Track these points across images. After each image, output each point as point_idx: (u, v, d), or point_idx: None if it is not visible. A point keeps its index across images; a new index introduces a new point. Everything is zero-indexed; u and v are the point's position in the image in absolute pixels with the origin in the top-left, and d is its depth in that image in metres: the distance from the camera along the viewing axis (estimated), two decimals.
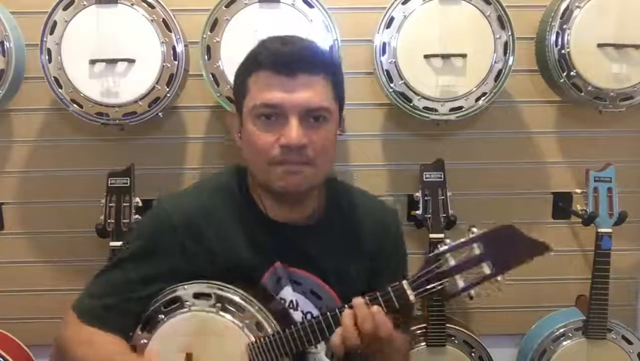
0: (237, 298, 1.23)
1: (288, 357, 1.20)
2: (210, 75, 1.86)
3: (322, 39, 1.85)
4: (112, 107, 1.85)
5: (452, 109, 1.91)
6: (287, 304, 1.28)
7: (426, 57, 1.87)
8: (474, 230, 1.14)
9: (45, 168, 2.14)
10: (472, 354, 2.05)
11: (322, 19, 1.86)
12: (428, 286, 1.13)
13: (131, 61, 1.83)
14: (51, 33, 1.82)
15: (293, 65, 1.16)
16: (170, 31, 1.84)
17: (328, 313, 1.17)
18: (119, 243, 1.86)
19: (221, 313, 1.23)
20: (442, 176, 1.98)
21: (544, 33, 1.93)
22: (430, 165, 1.99)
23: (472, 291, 1.13)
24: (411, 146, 2.18)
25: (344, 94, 1.27)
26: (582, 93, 1.92)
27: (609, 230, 1.95)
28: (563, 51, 1.89)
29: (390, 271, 1.34)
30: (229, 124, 1.32)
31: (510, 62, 1.89)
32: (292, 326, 1.19)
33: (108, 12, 1.83)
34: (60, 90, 1.84)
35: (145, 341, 1.25)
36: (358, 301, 1.15)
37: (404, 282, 1.15)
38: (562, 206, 2.20)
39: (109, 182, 1.92)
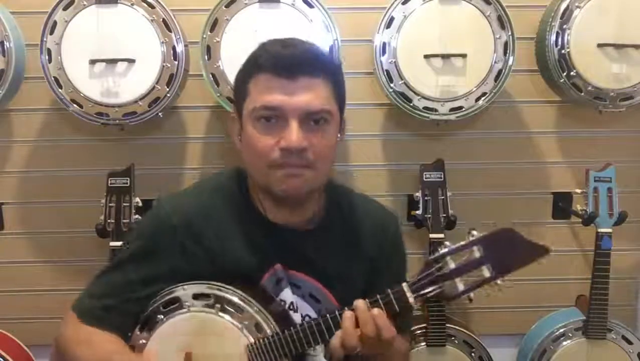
0: (236, 299, 1.23)
1: (287, 358, 1.19)
2: (210, 75, 1.86)
3: (322, 39, 1.85)
4: (112, 107, 1.85)
5: (452, 109, 1.91)
6: (287, 306, 1.28)
7: (426, 57, 1.87)
8: (474, 232, 1.14)
9: (45, 168, 2.15)
10: (472, 354, 2.05)
11: (322, 19, 1.86)
12: (428, 289, 1.14)
13: (131, 61, 1.83)
14: (51, 33, 1.82)
15: (294, 68, 1.16)
16: (170, 31, 1.84)
17: (328, 315, 1.17)
18: (119, 243, 1.86)
19: (220, 313, 1.23)
20: (442, 176, 1.98)
21: (544, 33, 1.93)
22: (430, 165, 1.99)
23: (472, 294, 1.13)
24: (411, 146, 2.18)
25: (344, 97, 1.27)
26: (582, 94, 1.92)
27: (609, 230, 1.95)
28: (563, 51, 1.89)
29: (391, 274, 1.34)
30: (229, 127, 1.31)
31: (510, 62, 1.89)
32: (292, 328, 1.19)
33: (108, 12, 1.83)
34: (60, 90, 1.84)
35: (144, 341, 1.25)
36: (359, 303, 1.14)
37: (404, 285, 1.15)
38: (562, 206, 2.20)
39: (109, 182, 1.92)
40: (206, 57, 1.86)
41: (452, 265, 1.13)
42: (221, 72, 1.85)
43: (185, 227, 1.26)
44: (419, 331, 2.02)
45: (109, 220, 1.91)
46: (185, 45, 1.88)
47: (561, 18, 1.88)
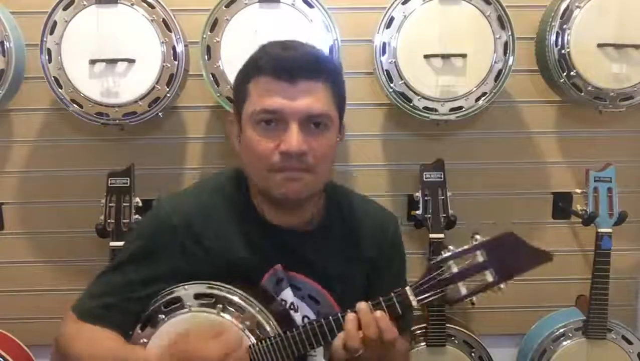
0: (237, 299, 1.23)
1: (289, 360, 1.19)
2: (210, 75, 1.86)
3: (322, 39, 1.85)
4: (112, 107, 1.85)
5: (452, 109, 1.92)
6: (287, 305, 1.28)
7: (426, 57, 1.88)
8: (477, 237, 1.14)
9: (45, 168, 2.15)
10: (472, 354, 2.06)
11: (322, 19, 1.86)
12: (431, 293, 1.14)
13: (131, 61, 1.83)
14: (51, 33, 1.82)
15: (294, 71, 1.15)
16: (170, 31, 1.84)
17: (331, 317, 1.17)
18: (119, 243, 1.86)
19: (222, 313, 1.23)
20: (442, 176, 1.98)
21: (544, 33, 1.93)
22: (430, 165, 1.99)
23: (474, 298, 1.14)
24: (411, 146, 2.18)
25: (344, 100, 1.26)
26: (582, 93, 1.92)
27: (609, 230, 1.95)
28: (563, 51, 1.89)
29: (391, 275, 1.34)
30: (228, 130, 1.31)
31: (510, 62, 1.89)
32: (294, 329, 1.19)
33: (108, 12, 1.83)
34: (60, 90, 1.85)
35: (145, 340, 1.25)
36: (362, 306, 1.14)
37: (407, 288, 1.15)
38: (562, 206, 2.20)
39: (109, 182, 1.92)
40: (206, 57, 1.86)
41: (455, 269, 1.13)
42: (221, 72, 1.85)
43: (185, 226, 1.26)
44: (419, 331, 2.03)
45: (109, 220, 1.91)
46: (185, 45, 1.88)
47: (561, 18, 1.89)
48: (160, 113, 1.88)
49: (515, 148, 2.20)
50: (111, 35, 1.82)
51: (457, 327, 2.07)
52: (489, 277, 1.12)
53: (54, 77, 1.84)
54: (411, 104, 1.91)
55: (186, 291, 1.25)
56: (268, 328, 1.22)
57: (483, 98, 1.91)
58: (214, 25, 1.85)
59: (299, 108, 1.15)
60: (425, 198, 1.97)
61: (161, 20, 1.84)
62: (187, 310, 1.24)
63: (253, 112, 1.18)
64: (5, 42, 1.83)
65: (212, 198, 1.30)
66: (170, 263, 1.26)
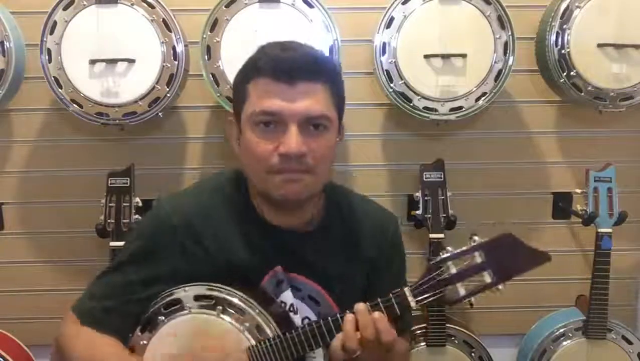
0: (237, 301, 1.23)
1: None
2: (210, 75, 1.86)
3: (322, 39, 1.85)
4: (112, 107, 1.85)
5: (452, 109, 1.91)
6: (287, 307, 1.28)
7: (426, 57, 1.87)
8: (476, 238, 1.14)
9: (45, 168, 2.15)
10: (472, 354, 2.05)
11: (322, 19, 1.86)
12: (429, 294, 1.14)
13: (131, 61, 1.83)
14: (51, 33, 1.82)
15: (293, 73, 1.15)
16: (170, 31, 1.84)
17: (329, 317, 1.17)
18: (119, 243, 1.86)
19: (222, 315, 1.23)
20: (442, 176, 1.98)
21: (544, 33, 1.93)
22: (430, 165, 1.99)
23: (473, 299, 1.14)
24: (411, 146, 2.18)
25: (344, 101, 1.26)
26: (582, 93, 1.92)
27: (609, 230, 1.95)
28: (563, 51, 1.89)
29: (391, 275, 1.34)
30: (227, 131, 1.31)
31: (510, 62, 1.89)
32: (293, 331, 1.19)
33: (108, 12, 1.83)
34: (60, 90, 1.84)
35: (145, 342, 1.25)
36: (360, 306, 1.14)
37: (406, 289, 1.15)
38: (562, 206, 2.20)
39: (109, 182, 1.92)
40: (206, 57, 1.86)
41: (454, 270, 1.13)
42: (221, 72, 1.85)
43: (185, 227, 1.26)
44: (419, 331, 2.02)
45: (109, 220, 1.91)
46: (185, 45, 1.88)
47: (561, 18, 1.88)
48: (160, 113, 1.88)
49: (515, 148, 2.20)
50: (111, 35, 1.82)
51: (457, 327, 2.07)
52: (487, 278, 1.13)
53: (54, 77, 1.84)
54: (411, 104, 1.91)
55: (186, 293, 1.24)
56: (267, 330, 1.22)
57: (483, 98, 1.90)
58: (214, 25, 1.85)
59: (298, 110, 1.15)
60: (425, 198, 1.97)
61: (161, 20, 1.84)
62: (187, 312, 1.24)
63: (252, 113, 1.18)
64: (5, 42, 1.83)
65: (212, 198, 1.30)
66: (170, 263, 1.25)
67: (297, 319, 1.28)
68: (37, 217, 2.17)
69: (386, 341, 1.13)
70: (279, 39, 1.24)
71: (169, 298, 1.25)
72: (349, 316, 1.14)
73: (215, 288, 1.24)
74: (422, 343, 2.02)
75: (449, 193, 1.97)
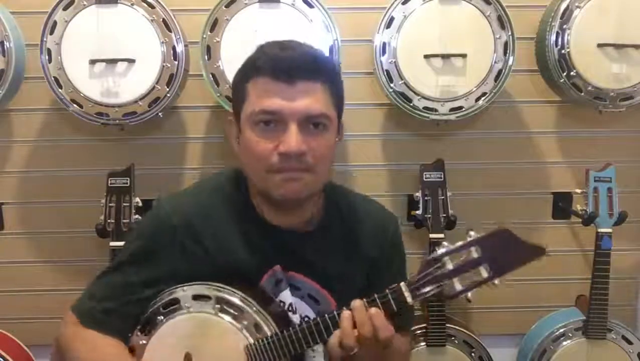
0: (236, 300, 1.23)
1: (286, 359, 1.20)
2: (210, 75, 1.86)
3: (322, 39, 1.85)
4: (112, 107, 1.85)
5: (452, 109, 1.91)
6: (286, 307, 1.28)
7: (426, 57, 1.87)
8: (472, 233, 1.14)
9: (45, 168, 2.15)
10: (472, 354, 2.06)
11: (322, 19, 1.86)
12: (426, 289, 1.14)
13: (131, 61, 1.83)
14: (51, 33, 1.82)
15: (292, 72, 1.15)
16: (170, 31, 1.84)
17: (326, 315, 1.17)
18: (119, 243, 1.86)
19: (220, 314, 1.23)
20: (442, 176, 1.98)
21: (544, 33, 1.93)
22: (430, 165, 1.99)
23: (470, 294, 1.13)
24: (411, 146, 2.18)
25: (343, 100, 1.26)
26: (582, 93, 1.92)
27: (609, 230, 1.95)
28: (563, 51, 1.89)
29: (391, 275, 1.33)
30: (227, 131, 1.31)
31: (510, 62, 1.89)
32: (290, 328, 1.19)
33: (108, 12, 1.83)
34: (60, 90, 1.84)
35: (144, 342, 1.25)
36: (356, 303, 1.14)
37: (402, 284, 1.15)
38: (562, 206, 2.20)
39: (109, 182, 1.92)
40: (206, 57, 1.86)
41: (450, 266, 1.13)
42: (221, 72, 1.85)
43: (185, 226, 1.26)
44: (419, 331, 2.03)
45: (109, 220, 1.91)
46: (185, 45, 1.88)
47: (561, 18, 1.88)
48: (160, 113, 1.88)
49: (515, 148, 2.20)
50: (111, 35, 1.82)
51: (457, 327, 2.07)
52: (484, 273, 1.12)
53: (54, 77, 1.84)
54: (411, 104, 1.91)
55: (184, 292, 1.25)
56: (266, 329, 1.22)
57: (483, 98, 1.90)
58: (214, 25, 1.85)
59: (298, 109, 1.15)
60: (425, 198, 1.97)
61: (161, 20, 1.84)
62: (185, 311, 1.24)
63: (252, 112, 1.18)
64: (5, 42, 1.83)
65: (212, 198, 1.30)
66: (171, 263, 1.26)
67: (296, 318, 1.28)
68: (37, 217, 2.17)
69: (384, 337, 1.12)
70: (279, 39, 1.23)
71: (167, 298, 1.25)
72: (345, 313, 1.14)
73: (214, 287, 1.24)
74: (422, 343, 2.02)
75: (449, 193, 1.97)
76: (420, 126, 2.10)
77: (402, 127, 2.17)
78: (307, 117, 1.16)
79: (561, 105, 2.17)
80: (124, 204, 1.91)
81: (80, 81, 1.84)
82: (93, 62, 1.83)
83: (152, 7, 1.83)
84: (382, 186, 2.20)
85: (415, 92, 1.90)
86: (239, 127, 1.23)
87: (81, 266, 2.15)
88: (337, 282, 1.31)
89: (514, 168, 2.20)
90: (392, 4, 1.88)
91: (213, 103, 2.05)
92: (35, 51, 1.84)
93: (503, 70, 1.89)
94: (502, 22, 1.87)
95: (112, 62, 1.83)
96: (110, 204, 1.91)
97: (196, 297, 1.24)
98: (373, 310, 1.13)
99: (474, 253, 1.13)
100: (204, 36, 1.85)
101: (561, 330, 2.06)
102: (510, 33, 1.87)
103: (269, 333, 1.21)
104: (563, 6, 1.88)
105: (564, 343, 2.05)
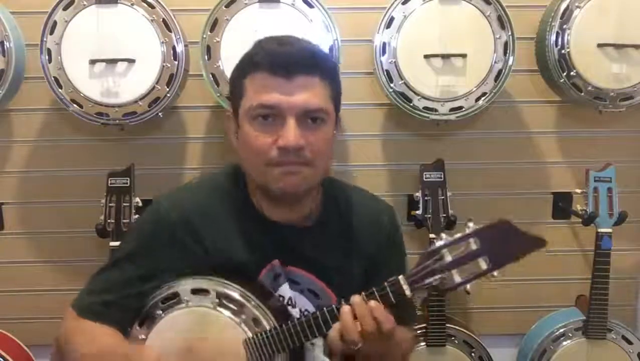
0: (235, 294, 1.23)
1: (285, 352, 1.20)
2: (210, 75, 1.86)
3: (322, 39, 1.85)
4: (112, 107, 1.85)
5: (452, 109, 1.92)
6: (285, 301, 1.28)
7: (426, 57, 1.88)
8: (470, 225, 1.14)
9: (45, 168, 2.15)
10: (472, 354, 2.05)
11: (322, 19, 1.86)
12: (424, 281, 1.13)
13: (131, 61, 1.83)
14: (51, 33, 1.83)
15: (290, 67, 1.15)
16: (170, 31, 1.84)
17: (325, 308, 1.17)
18: (119, 243, 1.86)
19: (219, 308, 1.23)
20: (442, 176, 1.98)
21: (544, 33, 1.93)
22: (430, 165, 1.99)
23: (468, 286, 1.13)
24: (411, 146, 2.18)
25: (340, 95, 1.26)
26: (582, 93, 1.92)
27: (609, 230, 1.95)
28: (563, 51, 1.89)
29: (390, 269, 1.33)
30: (225, 126, 1.31)
31: (510, 62, 1.89)
32: (289, 322, 1.19)
33: (108, 12, 1.83)
34: (60, 90, 1.85)
35: (144, 336, 1.25)
36: (356, 298, 1.14)
37: (400, 277, 1.14)
38: (562, 206, 2.20)
39: (109, 182, 1.92)
40: (206, 57, 1.86)
41: (449, 258, 1.13)
42: (221, 72, 1.85)
43: (184, 223, 1.26)
44: (419, 331, 2.02)
45: (109, 220, 1.91)
46: (185, 45, 1.88)
47: (561, 18, 1.89)
48: (160, 113, 1.89)
49: (515, 148, 2.20)
50: (111, 35, 1.83)
51: (457, 327, 2.07)
52: (483, 265, 1.12)
53: (54, 77, 1.84)
54: (411, 104, 1.91)
55: (184, 286, 1.24)
56: (265, 323, 1.21)
57: (483, 98, 1.91)
58: (214, 25, 1.85)
59: (296, 103, 1.15)
60: (425, 198, 1.97)
61: (161, 20, 1.84)
62: (184, 305, 1.24)
63: (250, 107, 1.18)
64: (5, 42, 1.83)
65: (210, 195, 1.30)
66: (169, 258, 1.26)
67: (295, 312, 1.28)
68: (37, 217, 2.17)
69: (386, 329, 1.12)
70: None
71: (167, 292, 1.25)
72: (345, 308, 1.14)
73: (213, 281, 1.24)
74: (422, 343, 2.02)
75: (449, 193, 1.97)
76: (420, 126, 2.11)
77: (402, 127, 2.17)
78: (305, 112, 1.16)
79: (561, 105, 2.17)
80: (124, 204, 1.91)
81: (80, 81, 1.84)
82: (93, 62, 1.83)
83: (152, 7, 1.84)
84: (382, 186, 2.20)
85: (415, 92, 1.90)
86: (238, 123, 1.23)
87: (81, 266, 2.15)
88: (336, 276, 1.31)
89: (514, 168, 2.20)
90: (392, 4, 1.88)
91: (213, 103, 2.05)
92: (35, 51, 1.84)
93: (503, 70, 1.89)
94: (502, 22, 1.87)
95: (112, 62, 1.83)
96: (110, 204, 1.92)
97: (195, 291, 1.24)
98: (372, 302, 1.13)
99: (473, 245, 1.12)
100: (204, 36, 1.85)
101: (561, 330, 2.06)
102: (510, 33, 1.87)
103: (267, 327, 1.21)
104: (563, 6, 1.89)
105: (564, 343, 2.05)
